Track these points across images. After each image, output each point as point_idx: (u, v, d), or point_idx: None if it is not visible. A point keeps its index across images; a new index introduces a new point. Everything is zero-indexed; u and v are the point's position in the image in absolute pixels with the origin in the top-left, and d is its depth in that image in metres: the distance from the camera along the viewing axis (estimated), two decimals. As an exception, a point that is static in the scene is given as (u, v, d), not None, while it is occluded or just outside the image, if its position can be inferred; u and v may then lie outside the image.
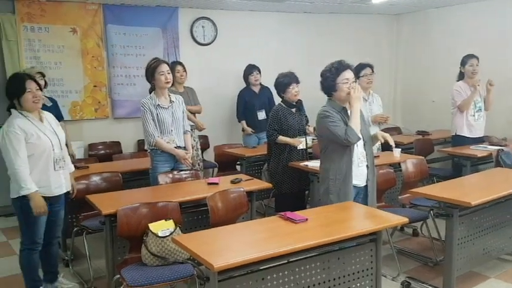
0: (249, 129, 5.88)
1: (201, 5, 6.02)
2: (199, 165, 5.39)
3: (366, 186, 3.30)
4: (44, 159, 3.17)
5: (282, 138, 4.34)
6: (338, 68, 3.19)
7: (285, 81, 4.32)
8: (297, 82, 4.34)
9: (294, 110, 4.42)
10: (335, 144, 3.20)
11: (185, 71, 5.39)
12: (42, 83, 4.61)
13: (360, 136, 3.16)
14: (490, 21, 6.24)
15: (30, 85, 3.15)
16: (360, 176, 3.26)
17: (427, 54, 7.17)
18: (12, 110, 3.19)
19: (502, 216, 3.64)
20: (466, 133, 5.18)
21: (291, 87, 4.31)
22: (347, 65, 3.22)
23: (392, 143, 3.33)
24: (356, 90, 3.13)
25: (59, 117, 4.98)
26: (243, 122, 5.94)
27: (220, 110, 6.40)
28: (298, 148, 4.34)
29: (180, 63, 5.41)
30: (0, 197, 5.36)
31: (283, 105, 4.41)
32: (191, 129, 5.35)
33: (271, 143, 4.47)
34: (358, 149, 3.24)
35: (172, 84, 5.25)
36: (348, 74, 3.18)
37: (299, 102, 4.43)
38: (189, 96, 5.40)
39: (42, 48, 5.45)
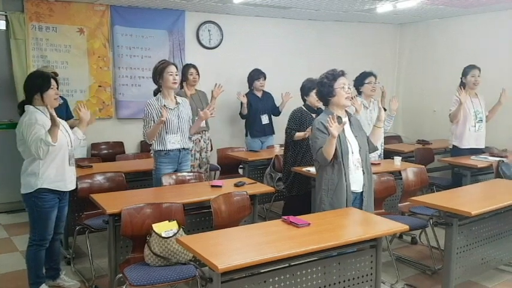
0: (243, 98, 5.79)
1: (207, 9, 6.08)
2: (206, 168, 5.42)
3: (363, 191, 3.34)
4: (61, 154, 3.26)
5: (298, 134, 4.42)
6: (334, 74, 3.31)
7: (309, 85, 4.46)
8: None
9: (314, 115, 4.51)
10: None
11: (198, 74, 5.40)
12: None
13: (328, 160, 3.19)
14: (492, 33, 6.31)
15: (53, 82, 3.29)
16: (356, 182, 3.30)
17: (429, 64, 7.23)
18: (29, 106, 3.25)
19: (501, 227, 3.68)
20: (465, 143, 5.20)
21: (313, 91, 4.38)
22: (342, 71, 3.34)
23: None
24: (334, 129, 3.08)
25: (70, 115, 5.08)
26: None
27: (224, 113, 6.44)
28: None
29: (194, 66, 5.41)
30: (2, 193, 5.44)
31: (304, 109, 4.54)
32: (203, 131, 5.40)
33: (288, 141, 4.54)
34: (354, 156, 3.29)
35: (182, 87, 5.33)
36: (344, 80, 3.30)
37: (319, 109, 4.51)
38: (201, 100, 5.41)
39: (49, 47, 5.50)
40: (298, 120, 4.46)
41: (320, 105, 4.44)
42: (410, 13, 6.49)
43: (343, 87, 3.27)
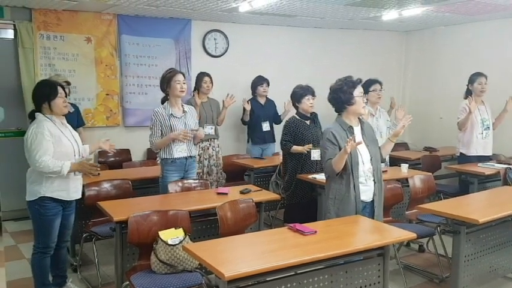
0: (248, 105, 5.83)
1: (213, 18, 6.12)
2: (221, 174, 5.47)
3: (373, 200, 3.32)
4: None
5: (296, 148, 4.40)
6: (353, 82, 3.26)
7: (301, 91, 4.44)
8: (313, 95, 4.44)
9: (308, 122, 4.50)
10: None
11: (212, 82, 5.46)
12: (67, 91, 4.78)
13: (336, 172, 3.17)
14: (497, 40, 6.30)
15: (61, 90, 3.32)
16: (367, 191, 3.28)
17: (435, 71, 7.22)
18: (38, 114, 3.28)
19: (509, 234, 3.65)
20: (472, 151, 5.18)
21: (306, 98, 4.41)
22: (359, 79, 3.32)
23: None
24: (350, 147, 3.03)
25: (81, 123, 5.15)
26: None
27: (229, 121, 6.44)
28: (311, 159, 4.39)
29: (208, 75, 5.45)
30: (9, 201, 5.48)
31: (297, 117, 4.50)
32: (212, 139, 5.42)
33: (285, 153, 4.54)
34: (365, 166, 3.25)
35: (198, 94, 5.36)
36: (361, 89, 3.29)
37: (313, 114, 4.50)
38: (211, 108, 5.45)
39: (57, 56, 5.55)
40: (292, 131, 4.44)
41: (312, 110, 4.44)
42: (415, 21, 6.50)
43: (360, 96, 3.25)
